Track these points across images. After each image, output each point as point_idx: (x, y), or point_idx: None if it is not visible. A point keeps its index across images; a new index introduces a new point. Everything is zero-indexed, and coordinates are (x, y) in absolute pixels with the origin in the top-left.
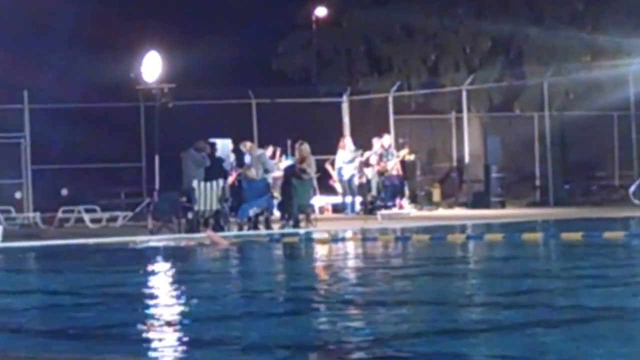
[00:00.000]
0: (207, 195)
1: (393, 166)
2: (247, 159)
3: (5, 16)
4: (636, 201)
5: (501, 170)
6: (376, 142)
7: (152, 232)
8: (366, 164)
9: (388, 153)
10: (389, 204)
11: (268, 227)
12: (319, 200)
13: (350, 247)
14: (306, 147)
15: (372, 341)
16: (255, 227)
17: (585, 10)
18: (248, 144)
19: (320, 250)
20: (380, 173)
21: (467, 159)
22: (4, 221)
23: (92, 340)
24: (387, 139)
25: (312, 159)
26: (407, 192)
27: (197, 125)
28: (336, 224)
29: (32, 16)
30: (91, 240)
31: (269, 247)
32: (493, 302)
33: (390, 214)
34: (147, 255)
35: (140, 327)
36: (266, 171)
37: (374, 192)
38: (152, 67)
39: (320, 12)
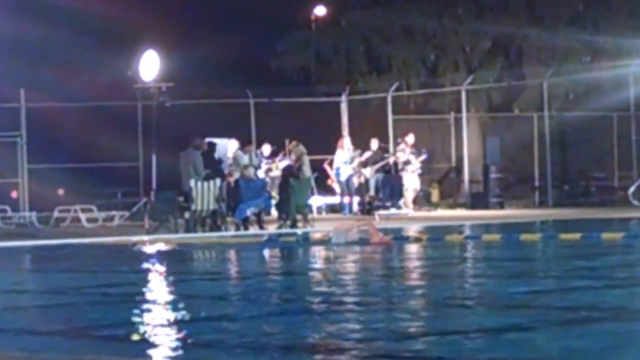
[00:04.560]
0: (205, 195)
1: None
2: (245, 158)
3: (1, 16)
4: (635, 202)
5: (500, 170)
6: (375, 143)
7: (148, 232)
8: (365, 164)
9: (413, 151)
10: (387, 204)
11: (261, 227)
12: (316, 201)
13: (348, 248)
14: (300, 147)
15: (369, 341)
16: (247, 228)
17: (585, 11)
18: (246, 146)
19: (318, 251)
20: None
21: (466, 160)
22: (0, 220)
23: (88, 341)
24: (411, 138)
25: (307, 159)
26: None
27: (194, 124)
28: (334, 225)
29: (29, 15)
30: (87, 240)
31: (266, 248)
32: (491, 303)
33: (389, 214)
34: (144, 255)
35: (136, 327)
36: (246, 167)
37: (372, 192)
38: (149, 65)
39: (320, 11)
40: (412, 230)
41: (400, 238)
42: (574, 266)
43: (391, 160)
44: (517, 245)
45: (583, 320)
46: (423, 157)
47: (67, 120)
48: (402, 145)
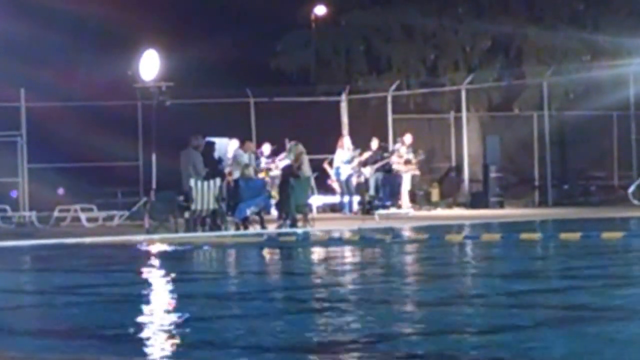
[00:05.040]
0: (204, 194)
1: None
2: (245, 157)
3: (2, 15)
4: (635, 201)
5: (500, 170)
6: (375, 142)
7: (148, 232)
8: (364, 163)
9: (409, 151)
10: (387, 203)
11: (262, 226)
12: (316, 200)
13: (347, 247)
14: (299, 147)
15: (369, 340)
16: (247, 227)
17: (585, 10)
18: (246, 142)
19: (317, 250)
20: (407, 162)
21: (466, 159)
22: (0, 220)
23: (86, 341)
24: (409, 138)
25: (306, 159)
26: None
27: (194, 124)
28: (334, 224)
29: (29, 15)
30: (87, 240)
31: (266, 247)
32: (490, 302)
33: (388, 213)
34: (144, 255)
35: (135, 327)
36: (246, 166)
37: (371, 191)
38: (149, 65)
39: (319, 11)
40: (412, 229)
41: (400, 238)
42: (573, 266)
43: (392, 159)
44: (516, 245)
45: (583, 319)
46: (420, 157)
47: (67, 120)
48: (397, 145)
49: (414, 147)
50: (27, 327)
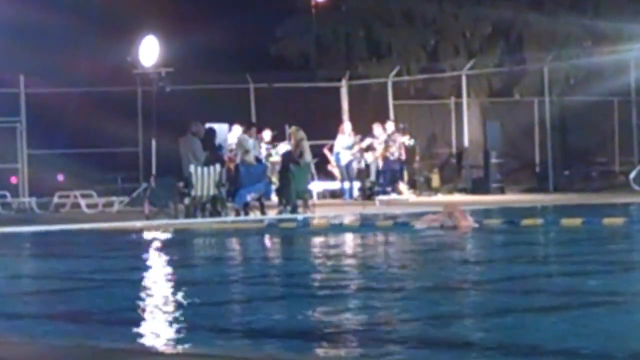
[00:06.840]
0: (204, 180)
1: (395, 151)
2: (250, 142)
3: (1, 0)
4: (636, 187)
5: (501, 155)
6: (377, 128)
7: (148, 218)
8: (367, 149)
9: (390, 139)
10: (388, 189)
11: (263, 212)
12: (317, 186)
13: (348, 233)
14: (300, 132)
15: (369, 327)
16: (247, 213)
17: None
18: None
19: (318, 236)
20: (385, 157)
21: (466, 145)
22: (0, 206)
23: (88, 326)
24: (390, 125)
25: (306, 144)
26: (406, 177)
27: (194, 110)
28: (334, 210)
29: (28, 0)
30: (87, 226)
31: (266, 233)
32: (491, 288)
33: (389, 199)
34: (144, 241)
35: (137, 312)
36: (246, 152)
37: (372, 177)
38: (149, 51)
39: None
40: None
41: (401, 224)
42: (574, 251)
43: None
44: (518, 231)
45: (581, 305)
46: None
47: (67, 106)
48: (379, 130)
49: (396, 134)
50: (29, 313)
